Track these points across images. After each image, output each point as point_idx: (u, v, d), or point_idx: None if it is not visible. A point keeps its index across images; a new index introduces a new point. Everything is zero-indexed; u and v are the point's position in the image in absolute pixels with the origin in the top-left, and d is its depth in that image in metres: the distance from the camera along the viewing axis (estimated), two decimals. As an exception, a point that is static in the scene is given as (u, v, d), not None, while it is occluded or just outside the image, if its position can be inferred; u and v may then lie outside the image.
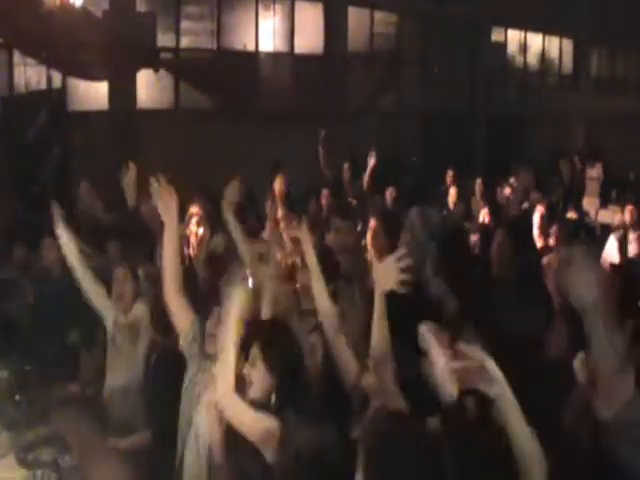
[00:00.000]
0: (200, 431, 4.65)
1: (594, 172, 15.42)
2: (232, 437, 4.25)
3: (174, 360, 5.12)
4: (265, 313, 5.08)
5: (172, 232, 4.87)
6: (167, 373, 5.38)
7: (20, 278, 8.21)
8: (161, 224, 4.96)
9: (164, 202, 4.83)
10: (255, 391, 4.23)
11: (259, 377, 4.22)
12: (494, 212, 11.18)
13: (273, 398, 4.23)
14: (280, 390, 4.21)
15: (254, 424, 4.02)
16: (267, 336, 4.36)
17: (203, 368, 4.82)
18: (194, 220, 9.11)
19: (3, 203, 11.29)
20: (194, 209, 9.58)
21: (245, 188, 11.08)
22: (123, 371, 6.31)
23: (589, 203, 13.96)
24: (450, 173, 13.86)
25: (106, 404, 6.34)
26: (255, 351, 4.25)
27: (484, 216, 11.37)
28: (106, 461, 4.98)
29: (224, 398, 4.25)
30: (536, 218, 9.63)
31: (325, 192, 11.78)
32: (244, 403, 4.16)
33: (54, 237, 8.31)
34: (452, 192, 12.13)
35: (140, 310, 6.37)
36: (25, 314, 7.69)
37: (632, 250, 9.12)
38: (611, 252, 9.22)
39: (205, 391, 4.70)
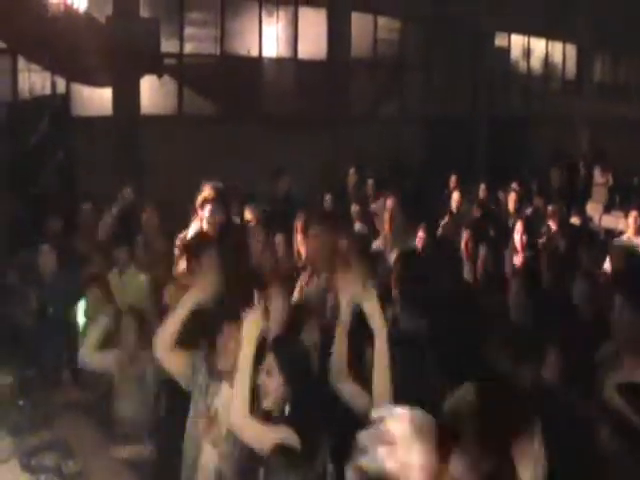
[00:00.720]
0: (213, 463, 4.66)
1: (601, 178, 15.38)
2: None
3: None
4: (274, 331, 5.07)
5: (190, 302, 4.90)
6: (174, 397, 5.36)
7: (22, 283, 8.22)
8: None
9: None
10: (269, 401, 4.24)
11: (274, 387, 4.24)
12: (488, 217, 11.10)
13: (287, 408, 4.24)
14: (295, 400, 4.21)
15: (273, 441, 4.00)
16: (283, 347, 4.38)
17: (213, 392, 4.78)
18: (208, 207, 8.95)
19: (6, 208, 11.29)
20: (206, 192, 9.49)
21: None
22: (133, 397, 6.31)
23: (593, 208, 13.94)
24: (453, 178, 13.86)
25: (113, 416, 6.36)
26: (271, 361, 4.27)
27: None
28: (109, 467, 4.99)
29: (240, 421, 4.28)
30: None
31: (328, 197, 11.77)
32: (260, 424, 4.21)
33: (51, 243, 8.37)
34: (455, 197, 12.11)
35: (146, 360, 6.23)
36: (28, 319, 7.70)
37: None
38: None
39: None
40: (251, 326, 4.36)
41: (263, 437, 4.11)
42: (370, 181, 13.29)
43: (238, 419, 4.28)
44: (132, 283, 8.30)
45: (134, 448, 5.86)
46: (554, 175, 14.25)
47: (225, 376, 4.66)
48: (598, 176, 15.38)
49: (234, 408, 4.30)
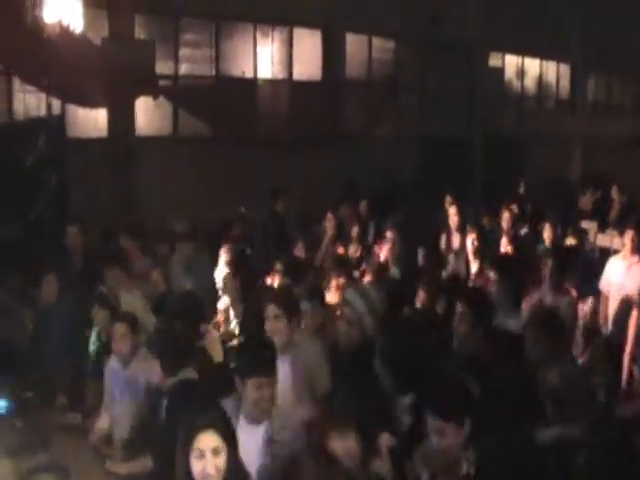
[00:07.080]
0: None
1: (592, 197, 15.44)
2: None
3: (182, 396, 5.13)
4: None
5: None
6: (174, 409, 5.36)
7: (17, 304, 8.21)
8: None
9: None
10: None
11: None
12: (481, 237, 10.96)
13: None
14: None
15: None
16: None
17: None
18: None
19: (2, 228, 11.27)
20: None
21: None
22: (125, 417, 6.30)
23: (587, 227, 13.95)
24: (448, 199, 13.86)
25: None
26: None
27: (473, 240, 10.99)
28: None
29: None
30: None
31: (329, 216, 11.71)
32: None
33: (54, 273, 8.37)
34: (452, 211, 11.87)
35: (140, 365, 6.30)
36: (24, 341, 7.68)
37: (632, 274, 9.06)
38: (610, 276, 9.17)
39: None
40: None
41: None
42: (363, 203, 13.23)
43: None
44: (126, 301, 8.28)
45: (131, 465, 5.88)
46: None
47: None
48: (592, 195, 15.43)
49: None
